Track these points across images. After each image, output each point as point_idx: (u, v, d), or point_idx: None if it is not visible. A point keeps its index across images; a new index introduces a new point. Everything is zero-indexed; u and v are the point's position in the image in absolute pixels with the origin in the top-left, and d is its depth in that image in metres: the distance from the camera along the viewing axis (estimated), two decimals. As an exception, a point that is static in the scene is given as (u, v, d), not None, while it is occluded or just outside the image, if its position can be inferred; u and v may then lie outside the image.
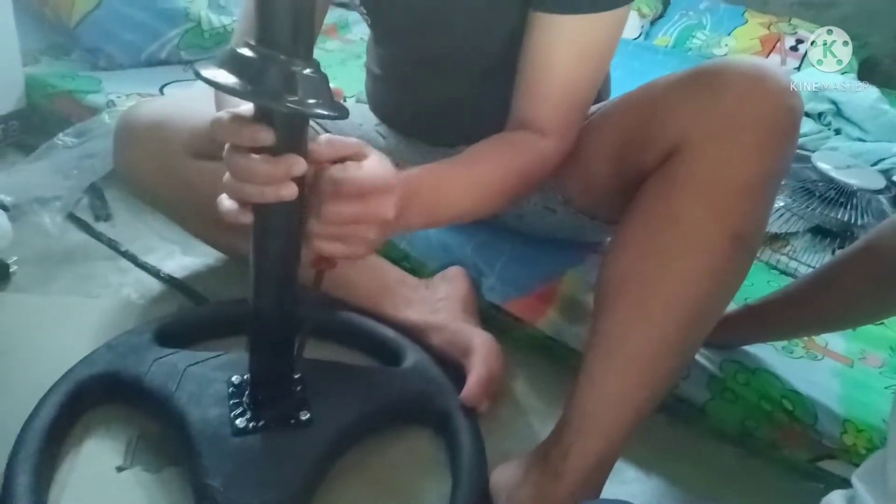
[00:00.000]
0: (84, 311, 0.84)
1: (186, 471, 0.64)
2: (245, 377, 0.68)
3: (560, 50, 0.70)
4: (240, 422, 0.65)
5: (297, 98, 0.48)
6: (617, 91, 0.84)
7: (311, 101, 0.49)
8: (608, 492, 0.65)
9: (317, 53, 0.52)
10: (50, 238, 0.95)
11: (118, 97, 1.12)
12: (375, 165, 0.57)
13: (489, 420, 0.78)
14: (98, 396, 0.70)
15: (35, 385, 0.68)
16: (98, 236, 0.98)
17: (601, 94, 0.84)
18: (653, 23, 1.96)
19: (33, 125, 1.12)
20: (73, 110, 1.11)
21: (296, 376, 0.69)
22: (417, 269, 0.93)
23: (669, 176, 0.61)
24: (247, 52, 0.48)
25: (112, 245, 0.96)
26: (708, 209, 0.58)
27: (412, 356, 0.80)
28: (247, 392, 0.67)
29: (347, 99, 1.14)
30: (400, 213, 0.58)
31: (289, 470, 0.62)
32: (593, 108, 0.78)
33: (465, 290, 0.89)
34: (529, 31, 0.71)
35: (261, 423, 0.65)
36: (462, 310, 0.86)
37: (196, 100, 0.80)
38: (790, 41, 1.79)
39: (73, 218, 1.00)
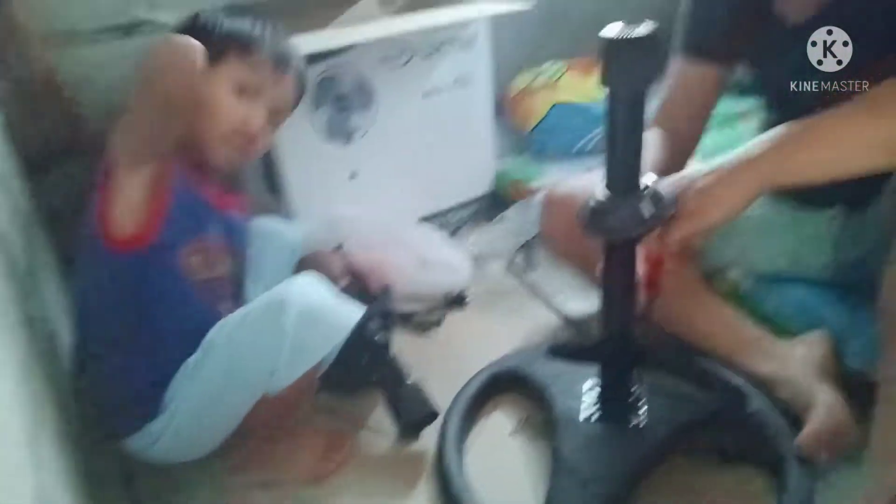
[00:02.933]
0: (508, 329, 1.17)
1: (550, 443, 0.89)
2: (598, 383, 0.90)
3: None
4: (589, 413, 0.87)
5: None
6: None
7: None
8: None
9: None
10: (493, 280, 1.32)
11: (551, 181, 1.45)
12: None
13: (829, 473, 0.81)
14: (504, 383, 1.00)
15: (472, 369, 1.02)
16: (523, 280, 1.31)
17: None
18: None
19: (496, 202, 1.52)
20: (520, 191, 1.47)
21: (633, 390, 0.87)
22: (779, 331, 0.97)
23: None
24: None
25: (532, 287, 1.29)
26: None
27: (756, 402, 0.88)
28: (597, 394, 0.89)
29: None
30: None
31: (618, 455, 0.81)
32: None
33: (824, 353, 0.90)
34: None
35: (602, 417, 0.86)
36: (817, 371, 0.88)
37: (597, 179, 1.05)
38: None
39: (511, 267, 1.36)
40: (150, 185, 0.78)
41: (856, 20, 0.76)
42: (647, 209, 0.70)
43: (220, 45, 0.85)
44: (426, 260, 1.27)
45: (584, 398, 0.89)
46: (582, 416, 0.86)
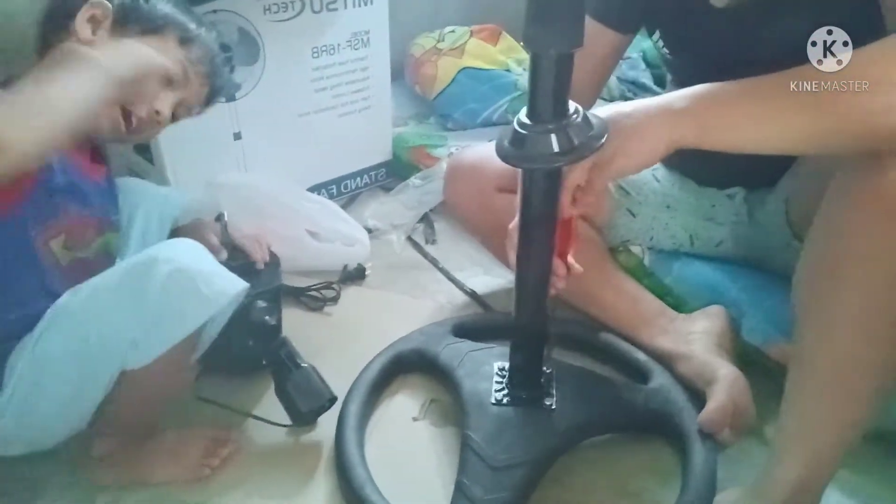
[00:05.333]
0: (410, 306, 1.11)
1: (458, 428, 0.84)
2: (507, 365, 0.86)
3: None
4: (499, 396, 0.82)
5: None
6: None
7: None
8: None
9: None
10: (394, 253, 1.26)
11: (456, 149, 1.40)
12: None
13: (732, 450, 0.81)
14: (408, 365, 0.94)
15: (371, 350, 0.95)
16: (425, 254, 1.26)
17: None
18: None
19: (395, 171, 1.46)
20: (423, 160, 1.42)
21: (546, 370, 0.84)
22: (679, 305, 0.99)
23: (842, 186, 0.59)
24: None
25: (434, 262, 1.23)
26: (877, 217, 0.56)
27: (659, 378, 0.88)
28: (507, 376, 0.85)
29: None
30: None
31: (531, 439, 0.78)
32: None
33: (723, 328, 0.92)
34: None
35: (513, 400, 0.82)
36: (716, 345, 0.89)
37: None
38: None
39: (410, 239, 1.30)
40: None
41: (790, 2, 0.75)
42: (576, 135, 0.64)
43: (162, 22, 0.77)
44: (319, 232, 1.18)
45: (493, 379, 0.85)
46: (492, 399, 0.82)
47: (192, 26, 0.80)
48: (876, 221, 0.56)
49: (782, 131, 0.60)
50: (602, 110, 0.67)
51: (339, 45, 1.27)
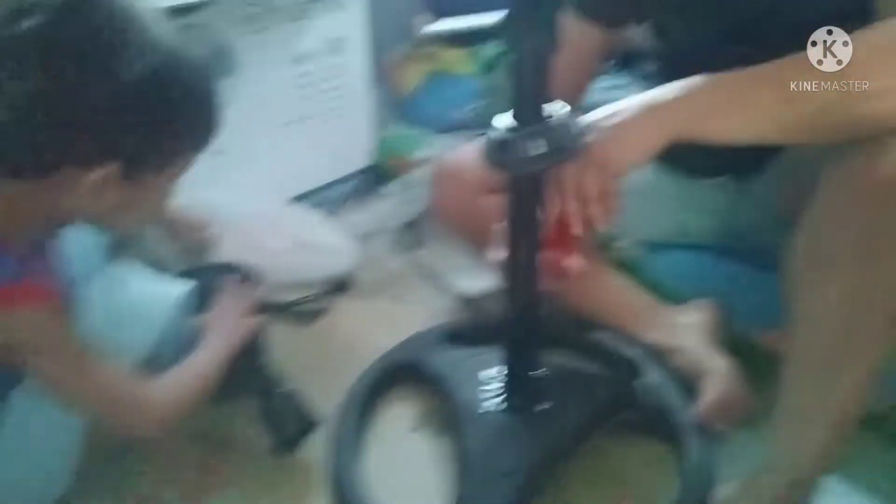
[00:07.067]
0: (401, 315, 1.10)
1: (453, 437, 0.83)
2: (500, 370, 0.84)
3: None
4: (494, 403, 0.81)
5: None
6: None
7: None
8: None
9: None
10: (381, 261, 1.24)
11: (437, 152, 1.37)
12: None
13: (733, 442, 0.81)
14: (402, 376, 0.93)
15: (362, 364, 0.93)
16: (413, 260, 1.24)
17: None
18: None
19: (377, 177, 1.42)
20: (403, 165, 1.38)
21: (539, 373, 0.83)
22: (668, 298, 0.98)
23: (833, 175, 0.60)
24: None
25: (423, 268, 1.22)
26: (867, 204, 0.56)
27: (651, 373, 0.87)
28: (500, 381, 0.83)
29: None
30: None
31: (527, 446, 0.77)
32: None
33: (713, 320, 0.92)
34: None
35: (508, 407, 0.80)
36: (707, 337, 0.89)
37: None
38: None
39: (397, 246, 1.28)
40: None
41: None
42: (558, 138, 0.63)
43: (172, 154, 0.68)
44: (303, 243, 1.16)
45: (487, 386, 0.83)
46: (486, 407, 0.81)
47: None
48: (866, 209, 0.56)
49: (773, 122, 0.60)
50: (592, 112, 0.67)
51: (316, 50, 1.26)
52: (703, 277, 0.99)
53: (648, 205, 1.02)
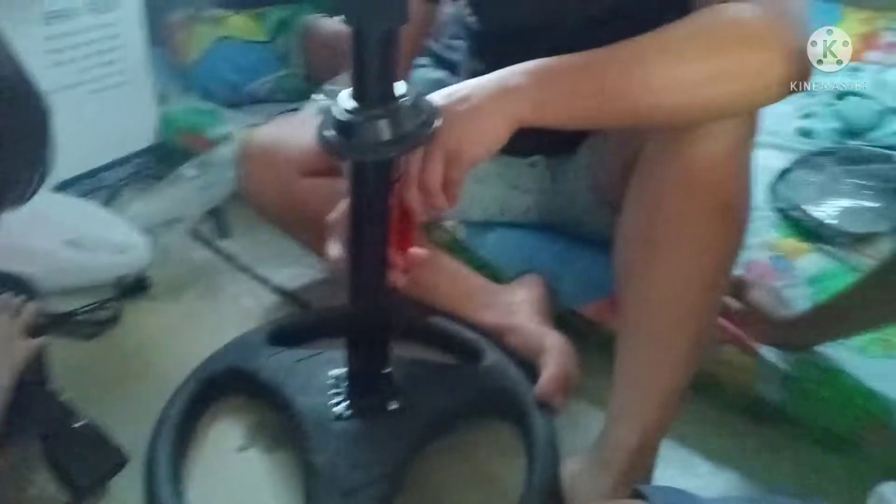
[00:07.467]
0: (210, 316, 0.98)
1: (296, 451, 0.75)
2: (344, 371, 0.78)
3: None
4: (339, 409, 0.75)
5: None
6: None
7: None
8: (679, 484, 0.69)
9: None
10: (177, 256, 1.09)
11: (235, 130, 1.23)
12: None
13: (565, 416, 0.83)
14: (222, 388, 0.82)
15: (170, 379, 0.81)
16: (218, 251, 1.12)
17: None
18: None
19: (164, 158, 1.26)
20: (198, 144, 1.24)
21: (386, 371, 0.78)
22: (496, 276, 0.99)
23: (651, 157, 0.63)
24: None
25: (230, 259, 1.10)
26: (683, 188, 0.60)
27: (491, 356, 0.87)
28: (345, 384, 0.77)
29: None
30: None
31: (382, 451, 0.71)
32: None
33: (541, 295, 0.94)
34: None
35: (357, 411, 0.74)
36: (537, 313, 0.91)
37: (304, 123, 0.88)
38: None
39: (197, 237, 1.14)
40: None
41: None
42: (408, 122, 0.57)
43: None
44: (78, 239, 0.99)
45: (330, 391, 0.76)
46: (332, 414, 0.74)
47: None
48: (682, 192, 0.60)
49: (611, 108, 0.60)
50: (435, 95, 0.61)
51: (76, 8, 1.06)
52: (528, 254, 1.01)
53: (472, 184, 1.01)
